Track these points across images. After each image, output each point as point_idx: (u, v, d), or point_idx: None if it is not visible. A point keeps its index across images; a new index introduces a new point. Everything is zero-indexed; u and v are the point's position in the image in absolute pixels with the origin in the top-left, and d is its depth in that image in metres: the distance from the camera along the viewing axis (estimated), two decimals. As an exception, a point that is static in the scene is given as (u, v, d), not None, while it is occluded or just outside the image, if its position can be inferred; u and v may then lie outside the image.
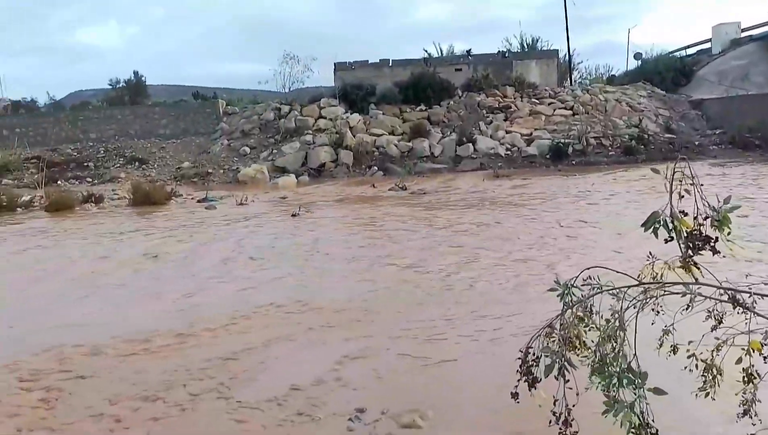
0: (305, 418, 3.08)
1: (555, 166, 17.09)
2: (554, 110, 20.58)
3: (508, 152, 18.44)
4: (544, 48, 26.38)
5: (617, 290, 1.56)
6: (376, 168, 17.90)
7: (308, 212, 10.63)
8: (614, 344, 1.70)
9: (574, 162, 17.50)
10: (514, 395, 1.51)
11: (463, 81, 22.03)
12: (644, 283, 1.50)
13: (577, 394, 1.44)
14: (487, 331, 4.18)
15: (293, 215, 10.28)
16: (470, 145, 18.46)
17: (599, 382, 1.58)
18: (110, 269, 6.81)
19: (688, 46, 27.89)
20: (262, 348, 4.05)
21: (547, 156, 17.94)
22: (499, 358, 3.68)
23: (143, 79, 27.86)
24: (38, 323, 4.84)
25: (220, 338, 4.28)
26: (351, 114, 20.17)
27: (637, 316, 1.47)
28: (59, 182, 16.83)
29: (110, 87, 27.85)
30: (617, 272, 1.60)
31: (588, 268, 1.57)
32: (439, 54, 25.91)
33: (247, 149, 19.43)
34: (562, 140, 18.26)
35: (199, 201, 13.03)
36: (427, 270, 6.05)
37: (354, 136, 18.88)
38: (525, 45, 27.00)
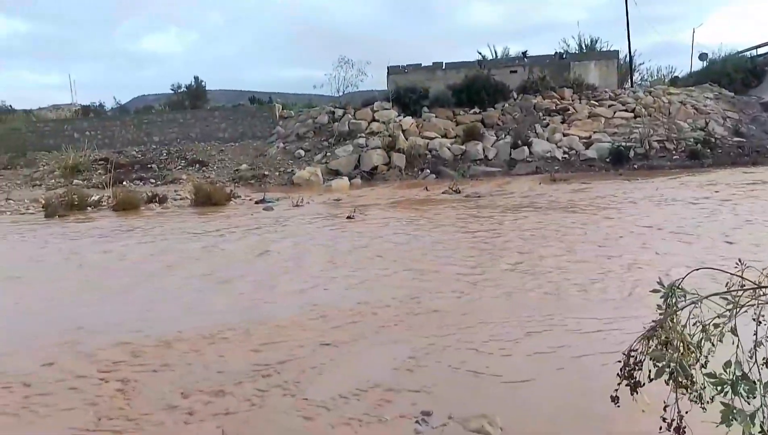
0: (372, 418, 3.06)
1: (615, 170, 16.54)
2: (614, 112, 19.94)
3: (566, 155, 17.98)
4: (604, 49, 25.63)
5: (729, 294, 1.46)
6: (428, 171, 17.84)
7: (363, 215, 10.67)
8: (698, 354, 1.59)
9: (635, 166, 16.88)
10: (614, 399, 1.43)
11: (519, 83, 21.67)
12: (762, 287, 1.39)
13: (691, 401, 1.35)
14: (567, 340, 4.02)
15: (349, 217, 10.34)
16: (525, 148, 18.11)
17: (691, 394, 1.49)
18: (195, 265, 7.04)
19: (759, 46, 26.42)
20: (330, 346, 4.06)
21: (607, 159, 17.38)
22: (581, 368, 3.54)
23: (203, 84, 28.78)
24: (121, 314, 5.04)
25: (289, 334, 4.32)
26: (404, 117, 20.18)
27: (757, 323, 1.36)
28: (125, 183, 17.59)
29: (172, 92, 28.89)
30: (731, 274, 1.49)
31: (696, 269, 1.48)
32: (494, 56, 25.60)
33: (302, 152, 19.76)
34: (623, 143, 17.65)
35: (257, 202, 13.33)
36: (493, 274, 5.93)
37: (407, 139, 18.88)
38: (583, 46, 26.31)
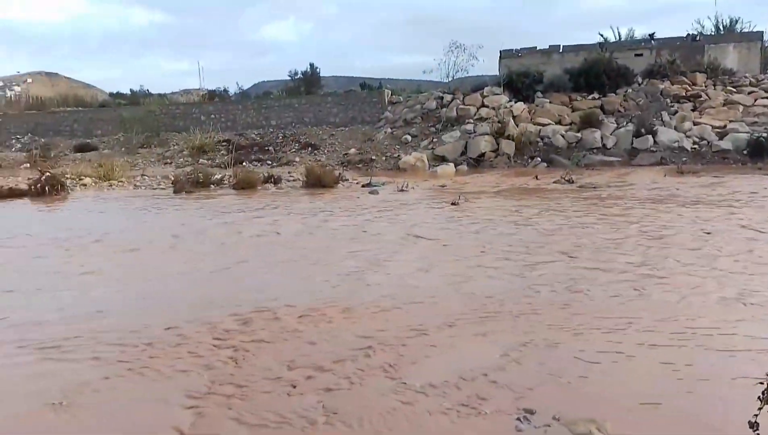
0: (471, 410, 2.98)
1: (753, 164, 14.86)
2: (755, 100, 17.90)
3: (695, 146, 16.45)
4: (745, 30, 22.97)
5: None
6: (539, 159, 17.16)
7: (468, 202, 10.49)
8: None
9: (778, 159, 15.06)
10: (753, 425, 1.24)
11: (644, 67, 20.11)
12: None
13: None
14: (704, 357, 3.65)
15: (453, 204, 10.22)
16: (649, 136, 16.79)
17: None
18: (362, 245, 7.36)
19: None
20: (432, 332, 4.02)
21: (744, 152, 15.66)
22: (716, 388, 3.20)
23: (318, 70, 29.79)
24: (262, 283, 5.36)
25: (391, 317, 4.35)
26: (515, 102, 19.54)
27: None
28: (244, 163, 18.70)
29: (289, 78, 30.22)
30: None
31: None
32: (617, 38, 23.90)
33: (409, 137, 19.82)
34: (764, 134, 15.78)
35: (363, 185, 13.59)
36: (612, 272, 5.54)
37: (517, 126, 18.27)
38: (721, 27, 23.76)
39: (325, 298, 4.84)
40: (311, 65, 29.93)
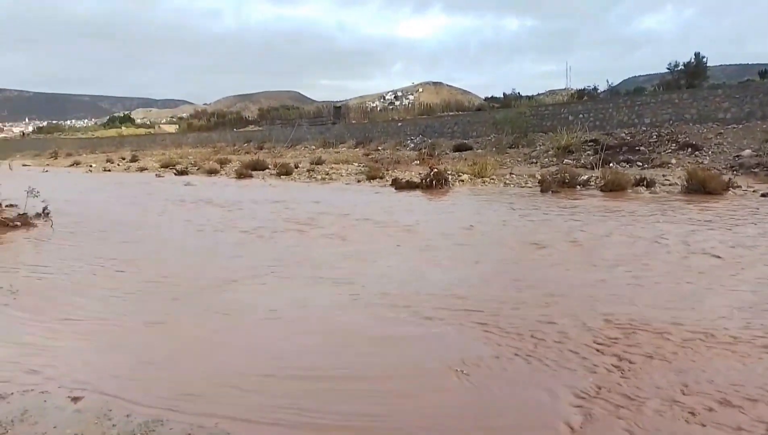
0: None
1: None
2: None
3: None
4: None
5: None
6: None
7: None
8: None
9: None
10: None
11: None
12: None
13: None
14: None
15: None
16: None
17: None
18: None
19: None
20: None
21: None
22: None
23: (704, 60, 26.19)
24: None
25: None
26: None
27: None
28: (611, 164, 17.88)
29: (667, 71, 27.47)
30: None
31: None
32: None
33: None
34: None
35: (762, 195, 11.33)
36: None
37: None
38: None
39: (719, 323, 4.23)
40: (696, 55, 26.49)
